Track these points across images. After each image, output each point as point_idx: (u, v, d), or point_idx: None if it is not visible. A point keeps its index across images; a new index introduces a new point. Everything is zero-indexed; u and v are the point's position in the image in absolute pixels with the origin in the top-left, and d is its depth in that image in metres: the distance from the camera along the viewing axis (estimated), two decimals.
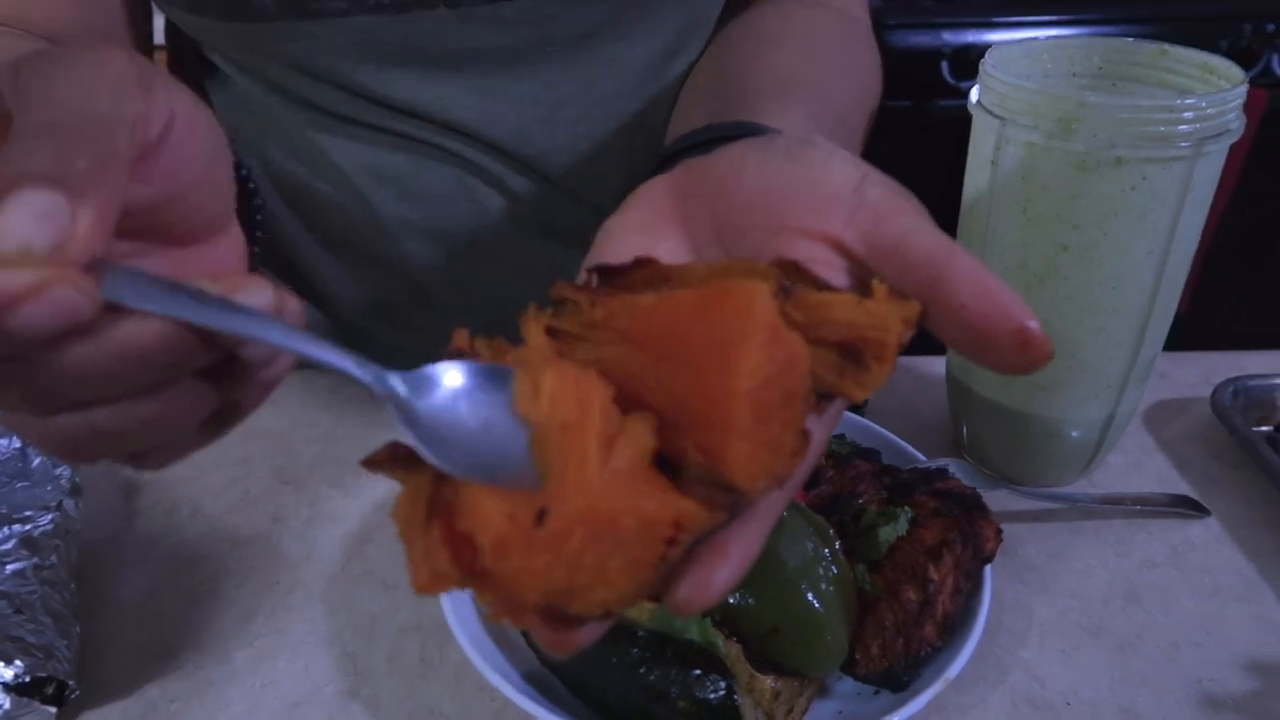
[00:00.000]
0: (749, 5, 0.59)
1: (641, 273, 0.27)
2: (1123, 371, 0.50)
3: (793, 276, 0.26)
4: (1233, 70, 0.46)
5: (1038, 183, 0.46)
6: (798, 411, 0.23)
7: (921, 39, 1.61)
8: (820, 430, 0.26)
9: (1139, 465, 0.56)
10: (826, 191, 0.28)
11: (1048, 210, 0.46)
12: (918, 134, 1.63)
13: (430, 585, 0.22)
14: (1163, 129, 0.43)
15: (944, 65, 1.62)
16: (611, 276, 0.27)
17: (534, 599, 0.22)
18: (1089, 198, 0.45)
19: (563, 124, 0.56)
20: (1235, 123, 0.45)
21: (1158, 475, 0.56)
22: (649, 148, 0.58)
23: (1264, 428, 0.57)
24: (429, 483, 0.23)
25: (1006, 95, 0.46)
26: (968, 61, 1.61)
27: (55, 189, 0.20)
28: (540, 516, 0.21)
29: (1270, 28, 1.60)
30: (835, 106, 0.48)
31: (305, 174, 0.59)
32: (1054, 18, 1.62)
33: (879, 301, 0.25)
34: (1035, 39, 0.52)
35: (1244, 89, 0.45)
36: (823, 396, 0.25)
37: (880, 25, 1.61)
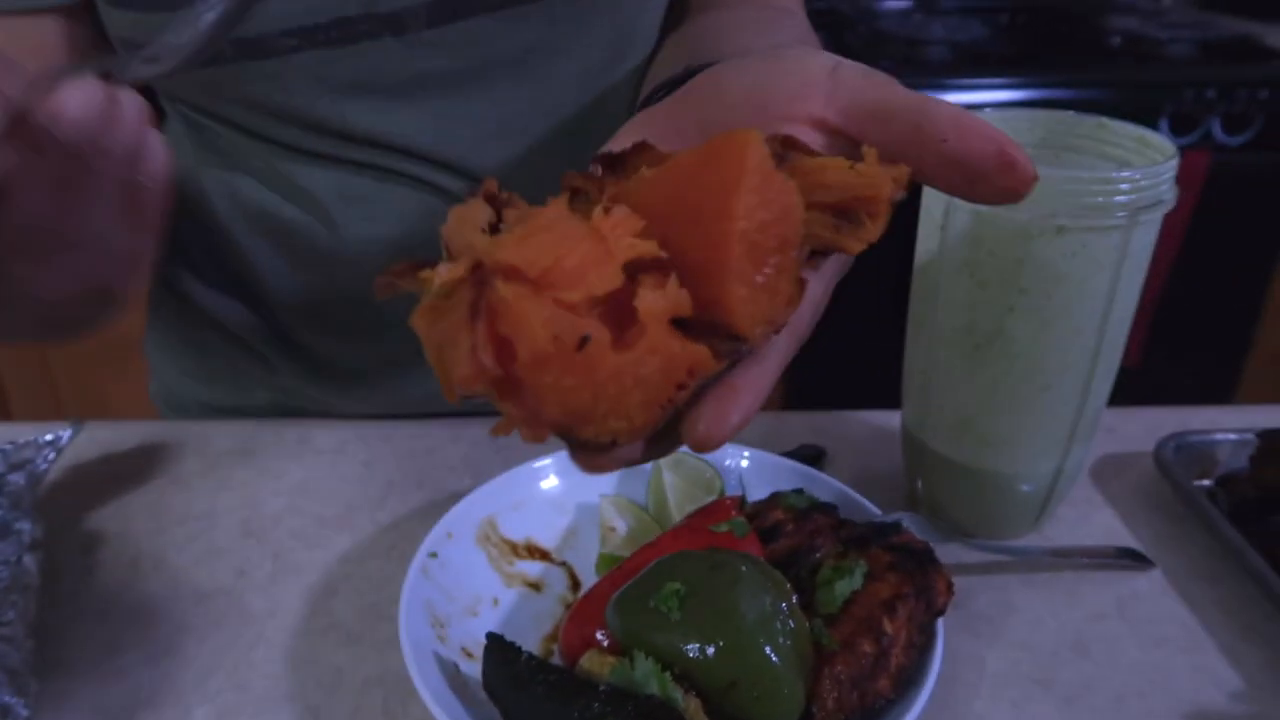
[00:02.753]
0: (693, 11, 0.62)
1: (642, 157, 0.28)
2: (1069, 427, 0.52)
3: (786, 147, 0.27)
4: (1165, 144, 0.49)
5: (985, 248, 0.48)
6: (792, 259, 0.25)
7: None
8: (818, 283, 0.28)
9: (1087, 519, 0.58)
10: (804, 78, 0.30)
11: (994, 275, 0.48)
12: None
13: (472, 380, 0.23)
14: (1100, 200, 0.45)
15: None
16: (616, 163, 0.28)
17: (554, 415, 0.23)
18: (1033, 263, 0.47)
19: (513, 137, 0.60)
20: (1168, 194, 0.47)
21: (1105, 528, 0.58)
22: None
23: (1205, 481, 0.59)
24: (469, 285, 0.24)
25: None
26: None
27: None
28: (583, 343, 0.23)
29: (1210, 95, 1.67)
30: None
31: (275, 200, 0.61)
32: (1006, 80, 1.67)
33: (870, 164, 0.26)
34: (983, 110, 0.54)
35: (1175, 162, 0.47)
36: (820, 253, 0.27)
37: None
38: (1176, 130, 1.71)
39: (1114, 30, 1.86)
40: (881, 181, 0.26)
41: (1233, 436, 0.60)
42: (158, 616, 0.52)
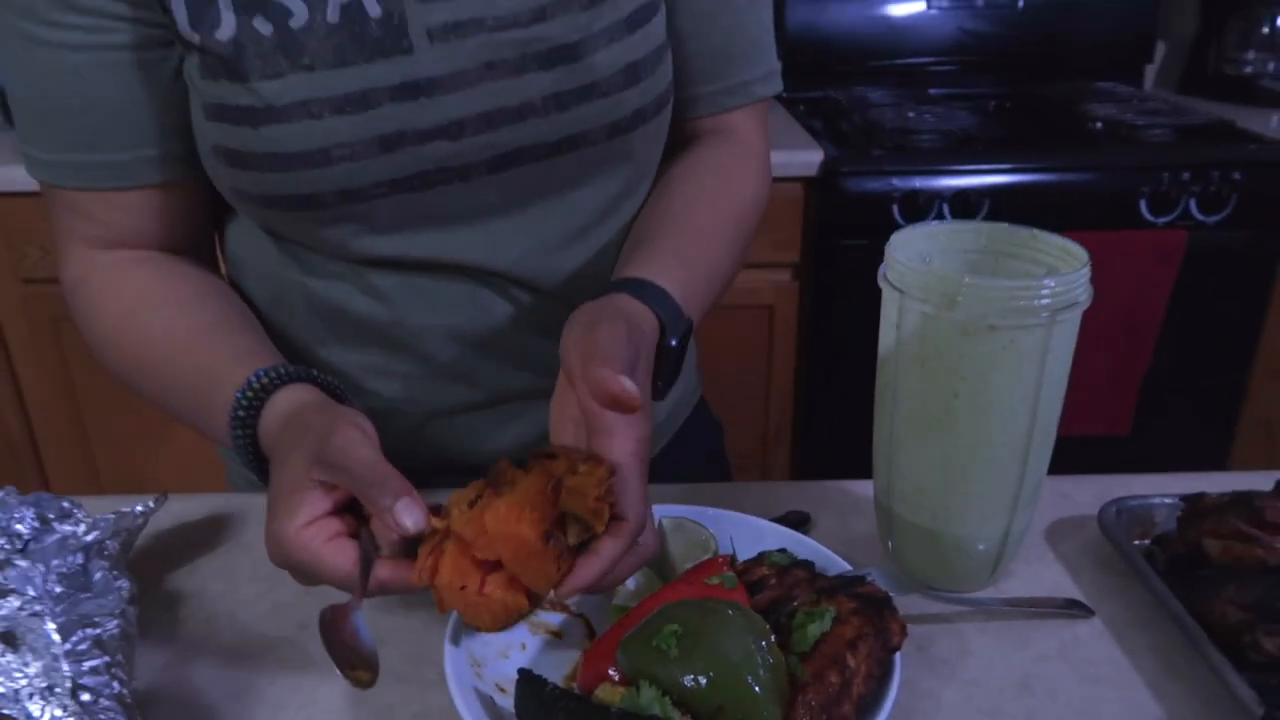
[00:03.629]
0: (675, 145, 0.78)
1: (556, 450, 0.55)
2: (1012, 495, 0.60)
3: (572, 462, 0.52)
4: (1081, 252, 0.59)
5: (931, 344, 0.57)
6: (552, 559, 0.49)
7: (875, 185, 1.77)
8: (597, 564, 0.51)
9: (1038, 574, 0.66)
10: (588, 352, 0.54)
11: (940, 366, 0.57)
12: (873, 270, 1.77)
13: (420, 577, 0.50)
14: (1024, 303, 0.55)
15: (895, 208, 1.77)
16: (540, 455, 0.55)
17: (450, 609, 0.51)
18: (971, 357, 0.56)
19: (550, 251, 0.72)
20: (1083, 295, 0.57)
21: (1053, 582, 0.66)
22: (615, 262, 0.76)
23: (1144, 541, 0.68)
24: (440, 535, 0.51)
25: (905, 274, 0.58)
26: (916, 205, 1.77)
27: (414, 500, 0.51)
28: (463, 587, 0.50)
29: (1185, 177, 1.77)
30: (691, 241, 0.71)
31: (346, 293, 0.72)
32: (993, 165, 1.78)
33: (582, 475, 0.50)
34: (935, 224, 0.64)
35: (1087, 269, 0.57)
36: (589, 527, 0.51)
37: (837, 173, 1.77)
38: (1155, 209, 1.81)
39: (1096, 116, 1.96)
40: (588, 490, 0.49)
41: (1168, 501, 0.69)
42: (234, 662, 0.60)
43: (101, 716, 0.50)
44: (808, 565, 0.58)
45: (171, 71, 0.65)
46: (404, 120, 0.62)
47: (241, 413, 0.61)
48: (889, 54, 2.24)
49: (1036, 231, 0.62)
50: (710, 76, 0.76)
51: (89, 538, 0.62)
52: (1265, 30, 2.17)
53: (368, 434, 0.55)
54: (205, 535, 0.72)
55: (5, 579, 0.52)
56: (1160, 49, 2.42)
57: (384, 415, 0.76)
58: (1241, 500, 0.61)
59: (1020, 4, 2.22)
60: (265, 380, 0.61)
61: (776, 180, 1.97)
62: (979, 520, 0.61)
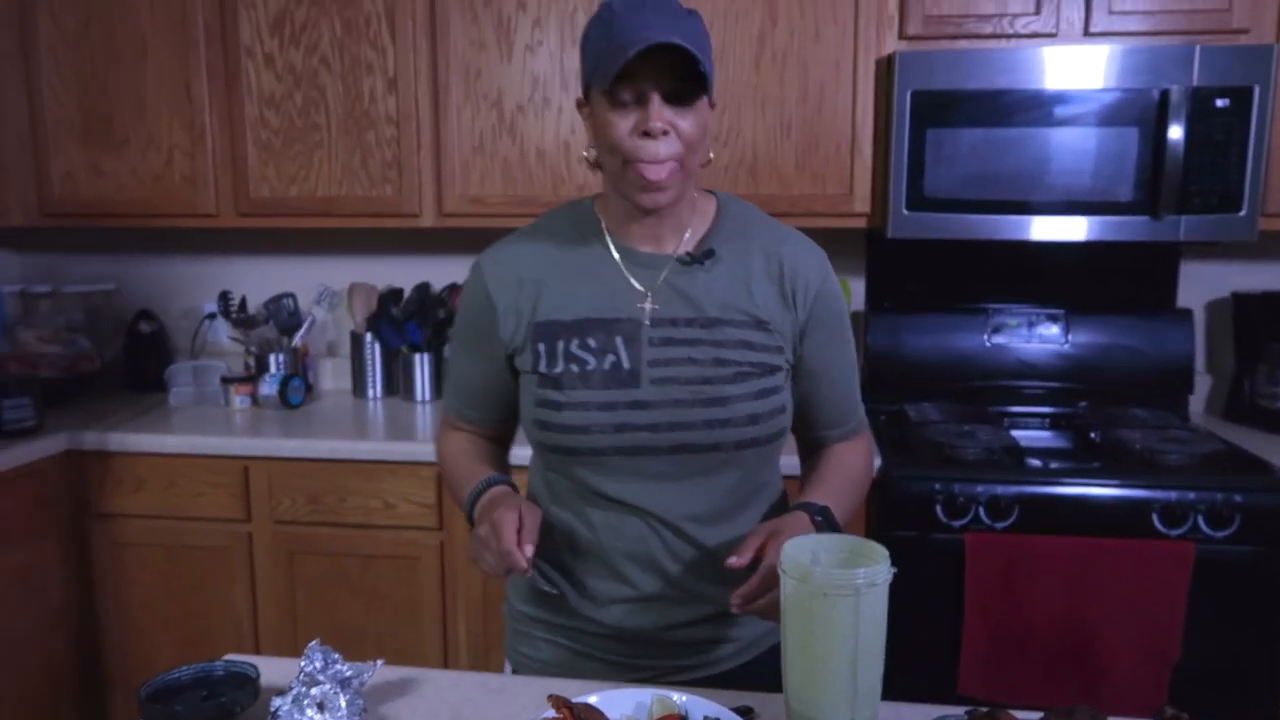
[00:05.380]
0: (819, 446, 1.42)
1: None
2: (850, 694, 1.03)
3: None
4: (885, 553, 1.05)
5: (799, 603, 1.04)
6: None
7: (921, 486, 2.20)
8: (749, 583, 1.16)
9: None
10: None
11: (802, 615, 1.04)
12: (918, 558, 2.17)
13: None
14: (843, 583, 1.01)
15: (937, 507, 2.19)
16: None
17: None
18: (817, 611, 1.02)
19: (698, 510, 1.29)
20: (881, 578, 1.02)
21: None
22: (745, 524, 1.32)
23: None
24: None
25: (788, 565, 1.06)
26: (955, 506, 2.18)
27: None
28: None
29: (1192, 496, 2.12)
30: (838, 493, 1.31)
31: (574, 523, 1.32)
32: (1018, 478, 2.17)
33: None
34: (821, 536, 1.12)
35: (885, 565, 1.03)
36: None
37: (892, 476, 2.23)
38: (1166, 523, 2.14)
39: (1126, 440, 2.34)
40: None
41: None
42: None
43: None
44: None
45: (512, 383, 1.33)
46: (629, 419, 1.24)
47: (475, 492, 1.28)
48: (952, 378, 2.72)
49: (875, 543, 1.09)
50: (834, 424, 1.40)
51: (347, 674, 1.15)
52: None
53: (519, 511, 1.18)
54: (400, 687, 1.24)
55: (321, 679, 1.05)
56: (1209, 381, 2.79)
57: (585, 602, 1.35)
58: (986, 713, 1.02)
59: (1066, 344, 2.69)
60: (484, 483, 1.29)
61: None
62: (832, 709, 1.04)
